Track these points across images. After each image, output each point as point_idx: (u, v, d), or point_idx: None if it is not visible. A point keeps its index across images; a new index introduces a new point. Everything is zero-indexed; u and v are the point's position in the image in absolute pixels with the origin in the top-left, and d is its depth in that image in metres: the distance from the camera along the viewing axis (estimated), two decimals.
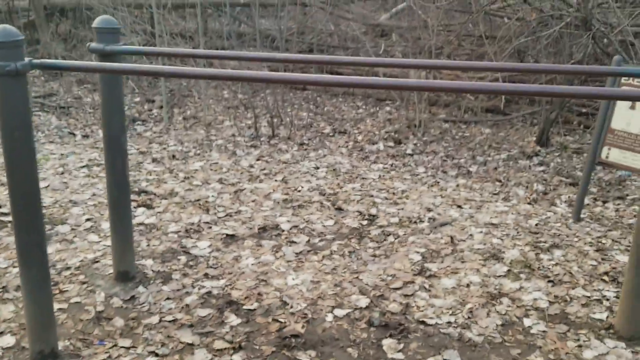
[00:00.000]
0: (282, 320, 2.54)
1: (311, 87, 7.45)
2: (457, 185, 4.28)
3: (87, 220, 3.48)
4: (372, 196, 3.99)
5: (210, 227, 3.44)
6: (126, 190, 2.73)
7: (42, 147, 5.06)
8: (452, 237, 3.35)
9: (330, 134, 5.60)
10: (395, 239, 3.35)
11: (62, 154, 4.76)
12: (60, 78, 7.48)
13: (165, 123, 5.77)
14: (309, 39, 7.90)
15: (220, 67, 6.05)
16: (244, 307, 2.64)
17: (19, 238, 2.06)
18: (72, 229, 3.37)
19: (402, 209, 3.79)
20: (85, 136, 5.39)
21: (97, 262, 3.01)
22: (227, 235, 3.34)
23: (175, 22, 7.02)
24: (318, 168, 4.58)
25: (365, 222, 3.57)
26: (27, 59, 1.91)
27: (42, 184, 3.98)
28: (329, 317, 2.58)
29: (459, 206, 3.85)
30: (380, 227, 3.51)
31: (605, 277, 2.94)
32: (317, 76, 1.96)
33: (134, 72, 2.00)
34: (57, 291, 2.71)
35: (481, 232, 3.44)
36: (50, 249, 3.10)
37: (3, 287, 2.71)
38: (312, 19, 7.64)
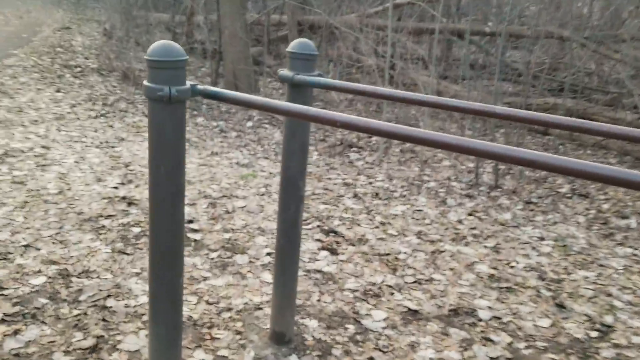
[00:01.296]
0: None
1: (555, 131, 6.43)
2: None
3: (267, 254, 3.22)
4: (610, 295, 3.02)
5: (392, 294, 2.89)
6: (296, 241, 2.35)
7: (256, 161, 5.08)
8: None
9: (568, 195, 4.62)
10: None
11: (270, 173, 4.69)
12: None
13: (379, 154, 5.40)
14: (562, 76, 6.86)
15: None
16: None
17: (152, 289, 1.79)
18: (250, 262, 3.13)
19: None
20: None
21: (260, 309, 2.69)
22: (409, 309, 2.76)
23: (412, 47, 6.64)
24: (543, 239, 3.71)
25: (594, 334, 2.66)
26: (189, 84, 1.61)
27: (240, 203, 3.90)
28: None
29: None
30: (616, 346, 2.57)
31: None
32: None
33: (298, 115, 1.57)
34: (209, 337, 2.44)
35: None
36: (221, 281, 2.89)
37: None
38: (570, 55, 6.59)
